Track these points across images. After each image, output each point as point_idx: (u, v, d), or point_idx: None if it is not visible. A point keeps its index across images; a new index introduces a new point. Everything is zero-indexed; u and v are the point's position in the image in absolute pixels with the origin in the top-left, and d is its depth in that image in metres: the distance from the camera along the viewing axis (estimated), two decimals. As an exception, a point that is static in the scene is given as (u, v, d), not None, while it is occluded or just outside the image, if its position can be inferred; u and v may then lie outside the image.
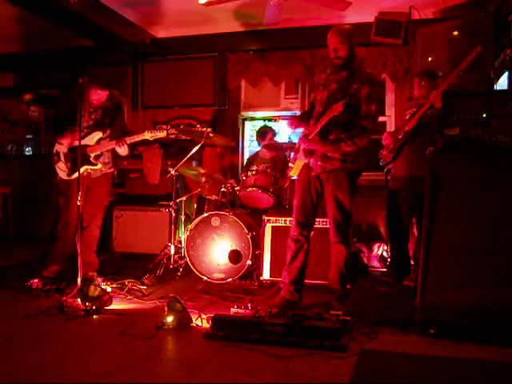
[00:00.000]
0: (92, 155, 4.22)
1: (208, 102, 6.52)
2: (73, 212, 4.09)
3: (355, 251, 5.22)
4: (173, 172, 4.81)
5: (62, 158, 4.24)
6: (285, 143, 4.92)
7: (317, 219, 4.26)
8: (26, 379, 2.36)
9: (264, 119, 6.53)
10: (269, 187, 4.82)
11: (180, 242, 4.80)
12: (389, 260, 4.88)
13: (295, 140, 4.13)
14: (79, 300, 3.50)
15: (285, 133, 6.12)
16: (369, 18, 5.47)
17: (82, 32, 5.99)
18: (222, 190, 4.92)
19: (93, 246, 4.31)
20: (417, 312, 3.02)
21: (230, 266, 4.47)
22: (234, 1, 4.89)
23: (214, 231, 4.56)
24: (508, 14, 4.51)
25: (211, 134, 4.72)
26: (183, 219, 5.06)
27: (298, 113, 6.00)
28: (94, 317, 3.36)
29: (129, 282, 4.10)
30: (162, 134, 4.25)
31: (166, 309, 3.17)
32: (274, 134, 5.65)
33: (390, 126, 5.73)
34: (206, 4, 4.88)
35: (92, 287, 3.53)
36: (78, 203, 3.80)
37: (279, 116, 6.40)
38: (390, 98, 5.95)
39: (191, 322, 3.16)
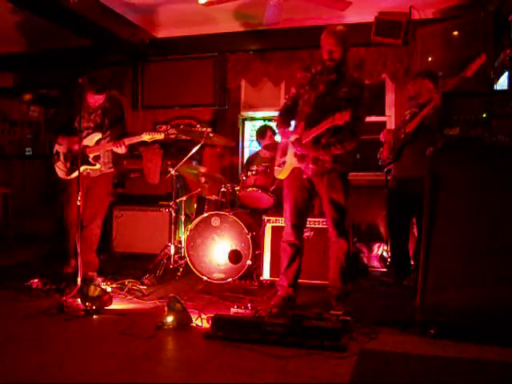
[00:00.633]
0: (91, 156, 4.22)
1: (208, 102, 6.51)
2: (73, 211, 4.10)
3: (355, 251, 5.22)
4: (173, 172, 4.82)
5: (62, 157, 4.25)
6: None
7: (316, 219, 4.29)
8: (26, 379, 2.36)
9: (264, 119, 6.53)
10: (269, 187, 4.82)
11: (180, 242, 4.80)
12: (389, 260, 4.88)
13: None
14: (79, 300, 3.51)
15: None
16: (369, 17, 5.47)
17: (82, 32, 5.97)
18: (222, 189, 4.92)
19: (93, 246, 4.31)
20: (417, 312, 3.02)
21: (229, 266, 4.47)
22: (234, 1, 4.89)
23: (213, 231, 4.56)
24: (508, 14, 4.50)
25: (211, 134, 4.72)
26: (183, 219, 5.06)
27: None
28: (94, 317, 3.36)
29: (129, 282, 4.10)
30: (159, 136, 4.27)
31: (165, 309, 3.17)
32: (274, 132, 5.63)
33: (390, 126, 5.70)
34: (206, 4, 4.88)
35: (92, 287, 3.53)
36: (78, 203, 3.80)
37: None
38: (390, 98, 5.94)
39: (191, 322, 3.16)
